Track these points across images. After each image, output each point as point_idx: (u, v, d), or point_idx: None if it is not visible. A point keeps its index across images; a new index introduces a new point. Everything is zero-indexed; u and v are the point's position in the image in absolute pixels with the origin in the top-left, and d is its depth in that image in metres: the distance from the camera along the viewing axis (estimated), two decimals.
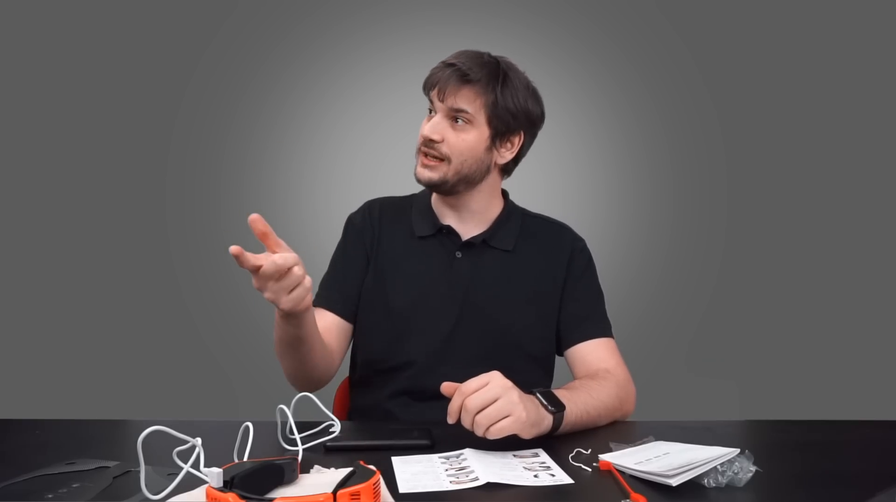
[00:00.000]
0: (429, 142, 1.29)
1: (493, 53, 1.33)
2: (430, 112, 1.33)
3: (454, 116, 1.28)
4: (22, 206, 2.46)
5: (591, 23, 2.49)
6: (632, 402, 1.30)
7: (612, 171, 2.54)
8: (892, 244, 2.47)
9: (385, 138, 2.45)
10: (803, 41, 2.48)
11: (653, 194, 2.54)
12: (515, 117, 1.30)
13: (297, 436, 0.99)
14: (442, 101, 1.27)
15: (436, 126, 1.28)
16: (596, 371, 1.31)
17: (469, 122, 1.28)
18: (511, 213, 1.42)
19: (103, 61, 2.47)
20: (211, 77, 2.50)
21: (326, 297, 1.40)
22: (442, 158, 1.29)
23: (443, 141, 1.28)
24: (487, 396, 0.98)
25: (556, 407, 1.08)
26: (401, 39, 2.45)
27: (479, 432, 0.99)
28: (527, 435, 1.02)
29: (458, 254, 1.37)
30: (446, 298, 1.35)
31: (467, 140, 1.28)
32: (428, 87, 1.30)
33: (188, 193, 2.53)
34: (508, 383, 1.01)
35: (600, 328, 1.38)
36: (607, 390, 1.22)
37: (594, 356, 1.34)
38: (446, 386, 1.03)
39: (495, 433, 0.98)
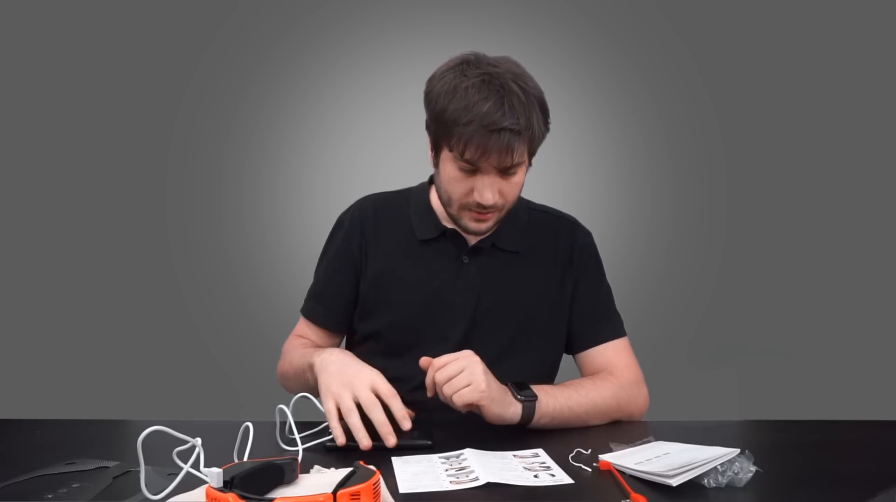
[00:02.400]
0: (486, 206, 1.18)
1: (489, 57, 1.18)
2: (454, 158, 1.17)
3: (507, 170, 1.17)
4: (22, 206, 2.46)
5: (591, 23, 2.49)
6: (638, 405, 1.27)
7: (612, 171, 2.53)
8: (891, 244, 2.47)
9: (385, 138, 2.44)
10: (803, 41, 2.48)
11: (653, 194, 2.54)
12: (545, 128, 1.21)
13: (297, 436, 0.99)
14: (499, 167, 1.15)
15: (494, 191, 1.17)
16: (600, 372, 1.30)
17: (521, 165, 1.18)
18: (516, 210, 1.33)
19: (103, 61, 2.47)
20: (211, 77, 2.50)
21: (311, 309, 1.39)
22: (498, 209, 1.22)
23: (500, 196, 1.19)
24: (454, 368, 1.07)
25: (528, 397, 1.11)
26: (401, 39, 2.45)
27: (449, 401, 1.07)
28: (490, 414, 1.08)
29: (466, 259, 1.30)
30: (456, 307, 1.29)
31: (519, 183, 1.21)
32: (475, 156, 1.13)
33: (188, 193, 2.52)
34: (476, 358, 1.08)
35: (612, 329, 1.34)
36: (600, 390, 1.22)
37: (603, 359, 1.32)
38: (423, 361, 1.11)
39: (458, 400, 1.05)
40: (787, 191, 2.52)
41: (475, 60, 1.16)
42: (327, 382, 1.10)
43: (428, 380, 1.09)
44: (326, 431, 1.08)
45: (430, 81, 1.19)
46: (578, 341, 1.34)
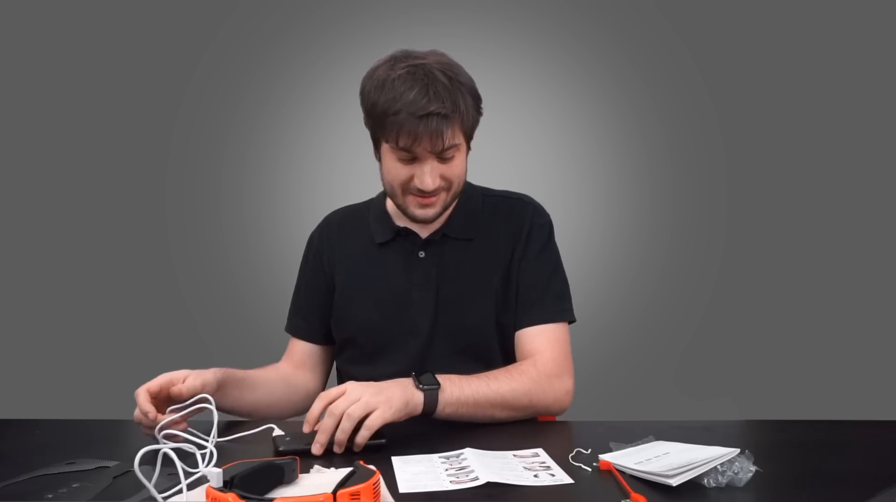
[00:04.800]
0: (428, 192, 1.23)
1: (421, 54, 1.23)
2: (391, 149, 1.21)
3: (443, 154, 1.22)
4: (22, 206, 2.46)
5: (591, 23, 2.49)
6: (555, 398, 1.23)
7: (611, 171, 2.53)
8: (891, 244, 2.47)
9: None
10: (803, 41, 2.48)
11: (653, 194, 2.54)
12: (477, 112, 1.25)
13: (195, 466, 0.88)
14: (433, 151, 1.19)
15: (433, 175, 1.21)
16: (523, 362, 1.26)
17: (456, 148, 1.23)
18: (468, 198, 1.37)
19: (103, 61, 2.47)
20: (211, 77, 2.50)
21: (295, 325, 1.44)
22: (439, 192, 1.25)
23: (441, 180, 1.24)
24: (345, 401, 1.03)
25: (430, 385, 1.10)
26: (401, 40, 2.44)
27: (342, 435, 1.01)
28: (400, 415, 1.06)
29: (421, 254, 1.34)
30: (418, 301, 1.32)
31: (460, 166, 1.25)
32: (409, 142, 1.18)
33: (188, 193, 2.52)
34: (359, 386, 1.05)
35: (547, 313, 1.30)
36: (513, 384, 1.18)
37: (531, 345, 1.28)
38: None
39: (369, 428, 1.01)
40: (787, 192, 2.52)
41: (402, 55, 1.22)
42: None
43: (314, 413, 1.04)
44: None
45: (363, 80, 1.25)
46: (516, 320, 1.32)
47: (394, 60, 1.21)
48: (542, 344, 1.28)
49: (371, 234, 1.38)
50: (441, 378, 1.13)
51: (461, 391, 1.13)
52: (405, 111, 1.15)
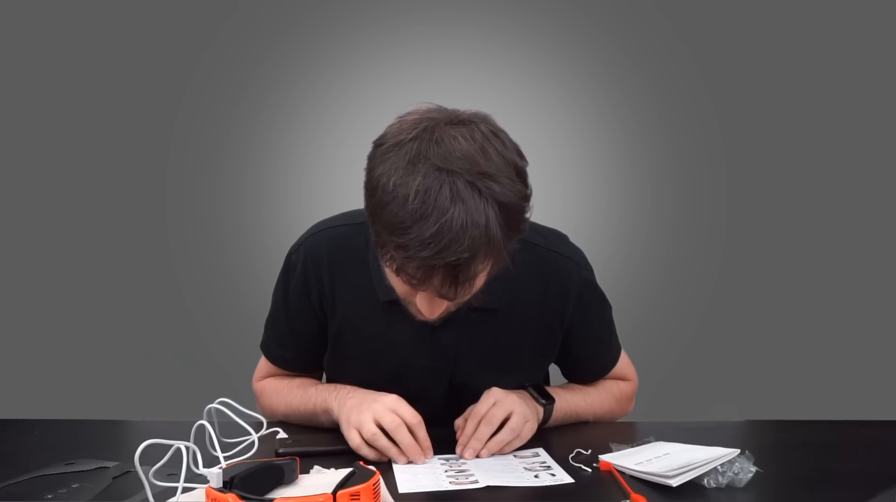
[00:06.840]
0: None
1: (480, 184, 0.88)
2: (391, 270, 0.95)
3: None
4: (21, 206, 2.46)
5: (591, 23, 2.49)
6: (627, 410, 1.31)
7: (611, 171, 2.53)
8: (891, 244, 2.47)
9: None
10: (804, 41, 2.48)
11: (653, 194, 2.54)
12: (513, 230, 0.93)
13: (220, 454, 0.93)
14: (441, 296, 0.94)
15: (437, 305, 0.97)
16: (606, 383, 1.29)
17: (473, 278, 0.94)
18: None
19: (103, 61, 2.46)
20: (211, 77, 2.50)
21: (276, 356, 1.27)
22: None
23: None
24: (500, 415, 1.04)
25: (547, 399, 1.14)
26: (400, 39, 2.45)
27: (505, 450, 1.04)
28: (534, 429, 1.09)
29: (437, 322, 1.04)
30: (430, 372, 1.14)
31: (477, 285, 0.96)
32: (413, 284, 0.92)
33: (188, 193, 2.52)
34: (506, 396, 1.06)
35: (612, 357, 1.27)
36: (602, 403, 1.25)
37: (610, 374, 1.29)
38: (459, 423, 1.08)
39: (522, 441, 1.05)
40: (787, 192, 2.51)
41: (429, 143, 0.90)
42: (347, 415, 1.04)
43: (467, 432, 1.04)
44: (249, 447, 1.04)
45: (375, 151, 0.96)
46: (575, 376, 1.28)
47: (418, 147, 0.90)
48: (617, 375, 1.30)
49: (370, 277, 1.10)
50: (552, 392, 1.17)
51: (567, 404, 1.18)
52: (413, 252, 0.86)
